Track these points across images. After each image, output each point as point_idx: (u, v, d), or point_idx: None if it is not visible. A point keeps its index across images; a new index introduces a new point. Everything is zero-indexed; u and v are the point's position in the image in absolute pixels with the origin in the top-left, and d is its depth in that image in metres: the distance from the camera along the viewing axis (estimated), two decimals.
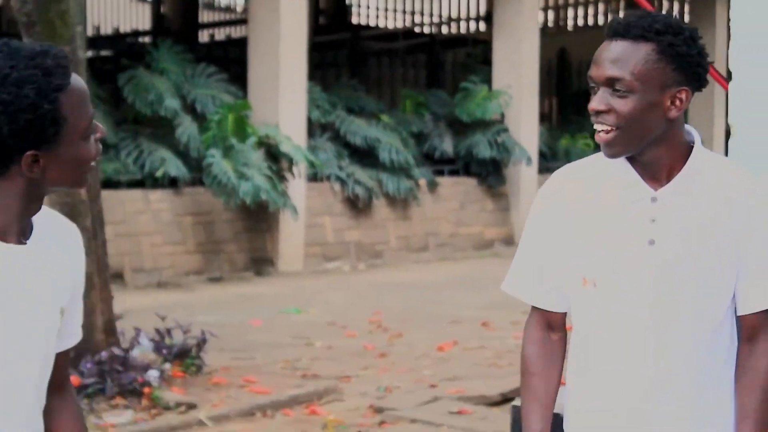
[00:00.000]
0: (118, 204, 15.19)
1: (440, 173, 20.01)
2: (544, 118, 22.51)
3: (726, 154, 4.90)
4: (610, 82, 3.03)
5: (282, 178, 16.84)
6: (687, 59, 3.04)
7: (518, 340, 11.67)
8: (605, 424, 3.19)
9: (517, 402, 6.03)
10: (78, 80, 2.72)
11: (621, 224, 3.13)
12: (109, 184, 14.78)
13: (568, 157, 21.92)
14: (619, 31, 3.05)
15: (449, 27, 28.92)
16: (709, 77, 3.14)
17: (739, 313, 3.15)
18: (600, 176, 3.18)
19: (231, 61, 20.10)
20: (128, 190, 15.89)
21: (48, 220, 2.88)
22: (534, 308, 3.33)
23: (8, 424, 2.77)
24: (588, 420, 3.24)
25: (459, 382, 9.81)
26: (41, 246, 2.80)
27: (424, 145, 20.00)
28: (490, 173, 20.45)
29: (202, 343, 9.93)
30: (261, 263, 17.20)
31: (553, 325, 3.32)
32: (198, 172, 16.39)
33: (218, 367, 10.07)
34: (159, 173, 15.96)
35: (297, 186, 17.28)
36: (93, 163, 2.81)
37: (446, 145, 20.04)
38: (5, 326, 2.73)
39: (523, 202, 20.59)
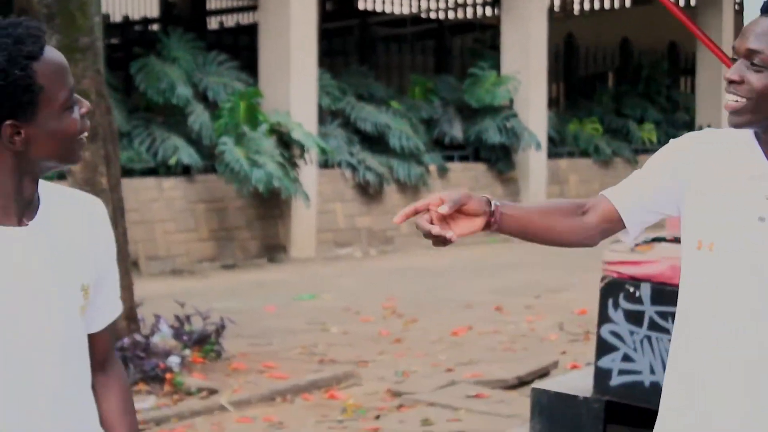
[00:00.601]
0: (132, 192, 15.25)
1: (450, 159, 20.05)
2: (552, 103, 22.54)
3: None
4: (750, 55, 3.05)
5: (294, 165, 16.89)
6: None
7: (532, 324, 11.80)
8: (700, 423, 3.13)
9: (536, 384, 6.17)
10: (54, 52, 2.70)
11: (737, 196, 3.13)
12: (123, 172, 14.86)
13: (577, 142, 22.04)
14: None
15: (457, 12, 28.93)
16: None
17: None
18: (728, 147, 3.19)
19: (241, 48, 20.08)
20: (142, 178, 15.93)
21: (64, 197, 2.86)
22: (605, 198, 3.29)
23: (29, 413, 2.73)
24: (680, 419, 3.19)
25: (475, 366, 9.86)
26: (48, 225, 2.77)
27: (433, 130, 20.04)
28: (500, 159, 20.49)
29: (220, 329, 10.01)
30: (274, 250, 17.26)
31: (601, 215, 3.28)
32: (210, 160, 16.43)
33: (237, 353, 10.13)
34: (172, 161, 16.01)
35: (308, 173, 17.32)
36: (82, 139, 2.77)
37: (456, 130, 20.10)
38: (7, 313, 2.69)
39: (533, 186, 20.67)
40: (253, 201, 16.86)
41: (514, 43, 20.82)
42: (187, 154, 15.95)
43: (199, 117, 16.55)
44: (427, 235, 3.09)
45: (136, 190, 15.57)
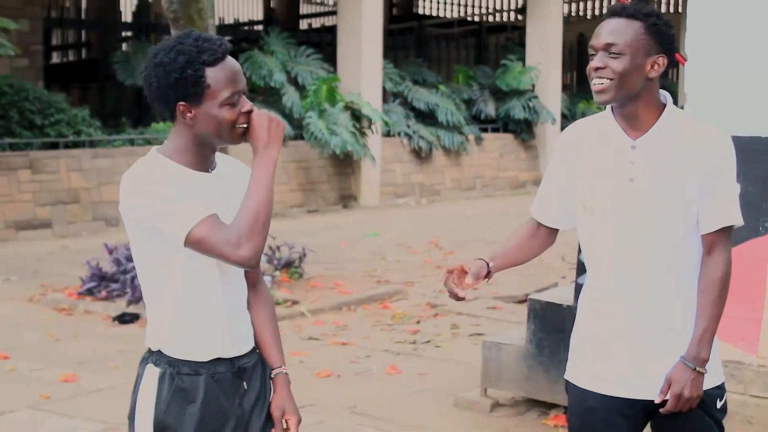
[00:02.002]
0: (240, 153, 15.48)
1: (485, 130, 20.08)
2: (565, 87, 22.49)
3: None
4: (607, 47, 3.09)
5: (363, 134, 17.01)
6: (665, 36, 3.12)
7: (542, 257, 11.91)
8: (598, 325, 3.24)
9: (533, 295, 6.32)
10: (232, 64, 2.87)
11: (610, 165, 3.15)
12: None
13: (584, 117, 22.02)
14: (616, 11, 3.13)
15: (493, 16, 28.84)
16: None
17: (701, 233, 3.14)
18: (596, 130, 3.22)
19: (325, 44, 20.18)
20: (246, 143, 16.12)
21: (227, 161, 3.06)
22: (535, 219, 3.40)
23: (230, 311, 3.00)
24: (589, 322, 3.29)
25: (494, 286, 9.75)
26: (221, 175, 2.99)
27: (472, 108, 20.08)
28: (524, 130, 20.53)
29: (303, 257, 10.19)
30: (347, 199, 17.43)
31: (540, 230, 3.41)
32: (299, 130, 16.60)
33: (315, 275, 10.32)
34: None
35: (374, 140, 17.44)
36: (239, 128, 2.88)
37: (489, 108, 20.14)
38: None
39: (549, 152, 20.63)
40: (332, 161, 17.03)
41: (536, 41, 20.80)
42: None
43: (291, 97, 16.74)
44: (453, 296, 3.30)
45: (244, 152, 15.76)
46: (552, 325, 5.94)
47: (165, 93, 2.88)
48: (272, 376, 3.11)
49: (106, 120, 15.95)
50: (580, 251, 5.85)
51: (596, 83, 3.13)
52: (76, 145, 14.64)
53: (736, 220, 3.20)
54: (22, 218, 13.63)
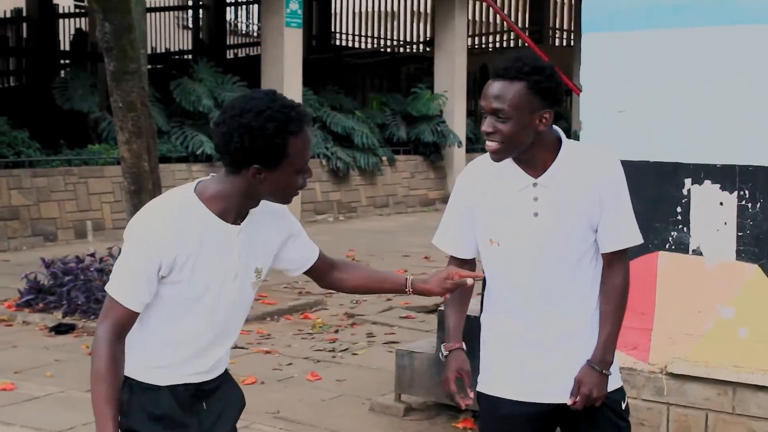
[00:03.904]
0: (169, 174, 15.30)
1: (397, 152, 20.04)
2: (470, 113, 22.55)
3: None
4: (494, 112, 3.03)
5: None
6: (549, 92, 3.04)
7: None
8: (511, 339, 3.23)
9: (442, 306, 6.30)
10: (310, 134, 2.80)
11: (514, 202, 3.13)
12: (163, 159, 14.90)
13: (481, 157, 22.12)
14: (499, 73, 3.05)
15: (404, 48, 28.92)
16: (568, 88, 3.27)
17: (601, 252, 3.16)
18: (496, 169, 3.16)
19: (249, 72, 20.06)
20: (177, 163, 15.95)
21: (263, 206, 2.91)
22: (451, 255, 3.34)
23: (221, 346, 2.95)
24: (499, 337, 3.26)
25: (407, 297, 9.87)
26: (249, 227, 2.88)
27: (386, 132, 20.02)
28: (432, 152, 20.54)
29: None
30: None
31: (464, 265, 3.32)
32: None
33: None
34: (198, 151, 16.06)
35: None
36: (297, 191, 2.83)
37: (401, 132, 20.12)
38: (217, 280, 2.85)
39: (456, 172, 20.69)
40: None
41: (443, 70, 20.86)
42: (209, 147, 15.97)
43: None
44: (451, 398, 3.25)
45: (172, 172, 15.60)
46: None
47: (245, 154, 2.73)
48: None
49: (45, 142, 15.62)
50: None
51: (489, 144, 3.08)
52: (16, 165, 14.32)
53: (636, 239, 3.20)
54: None
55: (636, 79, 4.86)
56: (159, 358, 2.88)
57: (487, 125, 3.06)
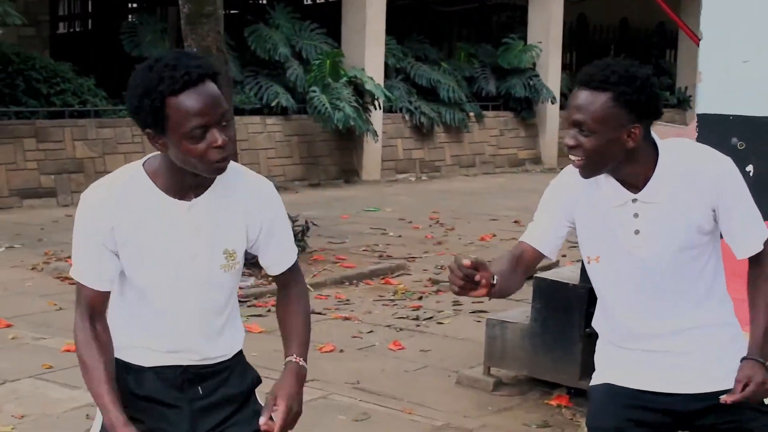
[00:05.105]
0: (243, 126, 15.38)
1: (486, 108, 19.92)
2: (565, 67, 22.32)
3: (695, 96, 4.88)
4: (577, 124, 2.93)
5: (366, 109, 16.87)
6: (637, 104, 2.91)
7: None
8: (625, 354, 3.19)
9: (538, 273, 6.20)
10: (200, 94, 2.66)
11: (612, 219, 3.06)
12: (236, 111, 14.94)
13: None
14: (584, 81, 2.95)
15: None
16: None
17: (739, 258, 3.08)
18: (594, 183, 3.07)
19: (329, 18, 20.04)
20: (250, 116, 16.02)
21: (238, 181, 2.86)
22: (525, 242, 3.18)
23: (175, 326, 2.90)
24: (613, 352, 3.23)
25: None
26: (206, 204, 2.81)
27: (473, 86, 19.90)
28: (524, 108, 20.38)
29: (306, 230, 10.09)
30: (349, 173, 17.32)
31: (528, 259, 3.16)
32: (303, 104, 16.46)
33: (317, 248, 10.21)
34: (273, 103, 16.08)
35: (376, 115, 17.30)
36: (209, 160, 2.69)
37: (491, 86, 19.97)
38: (170, 261, 2.82)
39: (548, 131, 20.59)
40: (334, 136, 16.90)
41: (537, 20, 20.66)
42: (285, 99, 16.04)
43: (295, 70, 16.58)
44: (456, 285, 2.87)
45: (246, 125, 15.69)
46: (557, 305, 5.85)
47: (136, 119, 2.73)
48: (284, 364, 2.98)
49: (112, 90, 15.77)
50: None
51: (574, 160, 2.99)
52: (81, 114, 14.49)
53: (765, 233, 3.12)
54: (26, 186, 13.49)
55: (763, 25, 4.68)
56: (137, 339, 2.92)
57: (569, 138, 2.96)
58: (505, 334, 6.04)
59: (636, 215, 3.02)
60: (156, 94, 2.64)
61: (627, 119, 2.90)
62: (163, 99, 2.65)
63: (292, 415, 2.86)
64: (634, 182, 3.01)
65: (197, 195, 2.81)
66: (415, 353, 6.91)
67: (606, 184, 3.05)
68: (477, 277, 2.77)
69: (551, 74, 20.54)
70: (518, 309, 6.53)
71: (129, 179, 2.82)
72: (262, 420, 2.85)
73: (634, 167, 2.99)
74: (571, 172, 3.13)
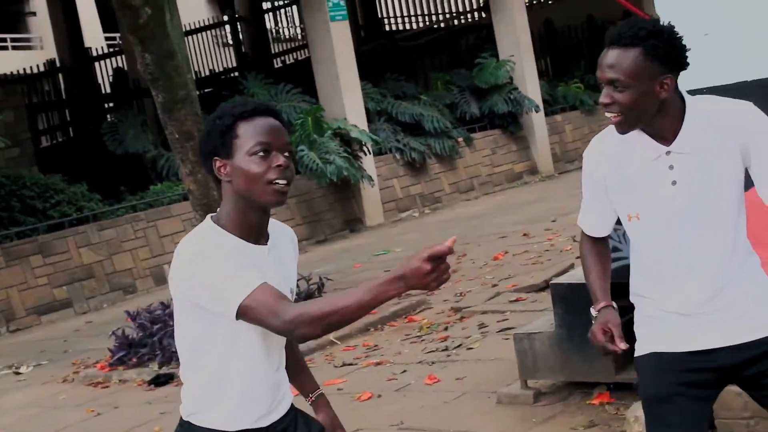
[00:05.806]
0: None
1: (473, 130, 19.96)
2: (541, 74, 22.40)
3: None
4: (610, 82, 3.08)
5: (356, 157, 16.92)
6: (668, 55, 3.06)
7: (552, 241, 11.86)
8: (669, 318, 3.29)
9: (555, 279, 6.27)
10: (266, 120, 2.87)
11: (648, 173, 3.18)
12: None
13: (566, 100, 21.94)
14: (613, 40, 3.10)
15: (459, 19, 28.82)
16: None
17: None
18: (625, 140, 3.20)
19: (301, 77, 20.17)
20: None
21: (275, 227, 3.02)
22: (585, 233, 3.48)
23: (273, 365, 3.00)
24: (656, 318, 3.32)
25: (513, 279, 9.91)
26: (275, 248, 2.97)
27: (456, 111, 19.94)
28: (510, 123, 20.42)
29: (321, 286, 10.17)
30: (353, 223, 17.36)
31: (597, 241, 3.47)
32: (293, 164, 16.55)
33: None
34: None
35: (368, 161, 17.35)
36: (272, 182, 2.83)
37: (473, 108, 20.03)
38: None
39: (539, 139, 20.63)
40: (331, 189, 16.95)
41: (505, 34, 20.72)
42: None
43: None
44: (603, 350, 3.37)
45: None
46: (578, 306, 5.87)
47: (204, 147, 2.91)
48: (314, 398, 3.14)
49: (105, 192, 15.92)
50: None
51: (610, 116, 3.14)
52: (80, 221, 14.62)
53: None
54: (41, 303, 13.61)
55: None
56: (232, 399, 2.95)
57: (604, 96, 3.11)
58: (533, 345, 6.10)
59: (671, 167, 3.15)
60: (228, 117, 2.87)
61: (658, 71, 3.06)
62: (235, 121, 2.86)
63: None
64: (666, 135, 3.15)
65: (265, 237, 2.95)
66: (451, 383, 6.97)
67: (638, 140, 3.19)
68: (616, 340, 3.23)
69: (529, 84, 20.60)
70: (542, 318, 6.59)
71: (211, 241, 2.85)
72: None
73: (665, 119, 3.13)
74: (600, 139, 3.32)
